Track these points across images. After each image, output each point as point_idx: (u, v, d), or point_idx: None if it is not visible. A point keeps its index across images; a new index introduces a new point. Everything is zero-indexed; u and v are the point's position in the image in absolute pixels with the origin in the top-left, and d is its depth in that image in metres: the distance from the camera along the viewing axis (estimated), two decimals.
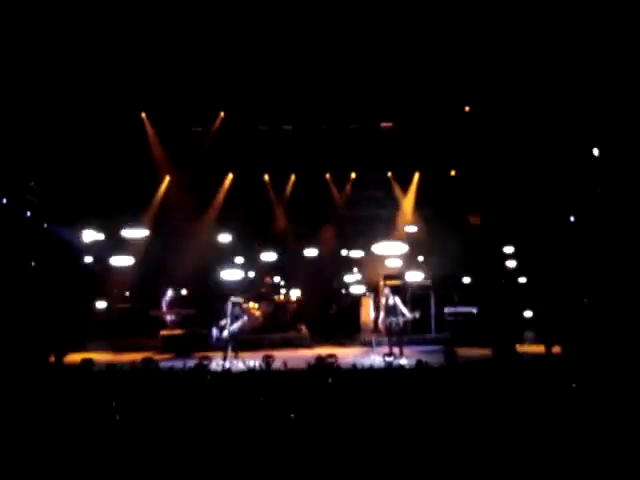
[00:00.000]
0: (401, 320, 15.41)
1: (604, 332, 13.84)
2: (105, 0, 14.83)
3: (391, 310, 15.49)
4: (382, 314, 15.70)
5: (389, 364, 13.40)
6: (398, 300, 15.65)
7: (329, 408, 8.28)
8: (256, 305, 19.30)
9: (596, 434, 7.25)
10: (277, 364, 12.16)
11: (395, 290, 16.20)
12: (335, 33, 16.04)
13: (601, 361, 11.42)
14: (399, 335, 15.52)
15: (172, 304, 18.61)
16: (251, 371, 12.08)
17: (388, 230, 20.61)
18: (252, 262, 21.09)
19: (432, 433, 7.45)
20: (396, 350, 15.05)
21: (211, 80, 17.44)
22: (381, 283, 18.58)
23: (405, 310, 15.55)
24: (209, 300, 18.74)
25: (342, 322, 19.70)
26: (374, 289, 19.27)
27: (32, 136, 17.11)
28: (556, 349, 14.01)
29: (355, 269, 20.91)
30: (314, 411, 8.21)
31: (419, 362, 11.65)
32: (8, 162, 17.15)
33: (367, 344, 17.12)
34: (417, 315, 15.85)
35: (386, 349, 15.08)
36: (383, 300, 15.84)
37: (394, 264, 18.83)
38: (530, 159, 17.67)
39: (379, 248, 18.19)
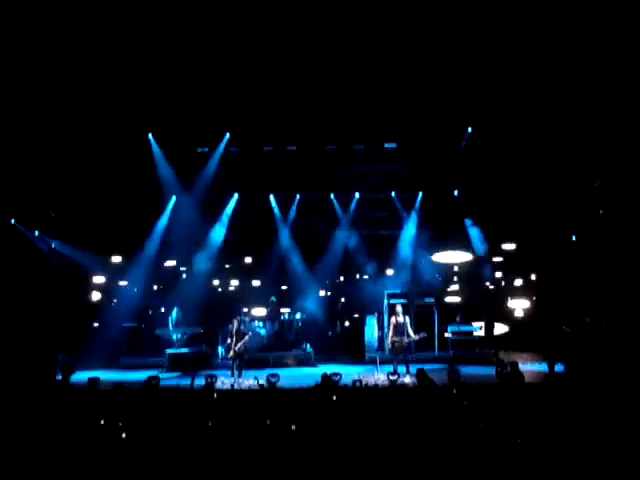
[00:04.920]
0: (405, 340, 15.47)
1: (607, 350, 13.89)
2: (113, 21, 15.03)
3: (399, 329, 15.56)
4: (391, 332, 15.76)
5: (393, 382, 13.47)
6: (408, 320, 15.74)
7: (334, 426, 8.35)
8: (261, 324, 19.39)
9: (599, 451, 7.31)
10: (282, 383, 12.24)
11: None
12: (339, 54, 16.23)
13: (604, 379, 11.48)
14: (404, 354, 15.58)
15: (178, 323, 18.74)
16: (256, 389, 12.15)
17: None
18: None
19: (435, 451, 7.51)
20: (402, 369, 15.13)
21: (217, 101, 17.63)
22: (385, 302, 18.68)
23: (411, 331, 15.62)
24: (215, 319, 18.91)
25: (347, 341, 19.77)
26: (378, 308, 19.33)
27: (37, 155, 17.33)
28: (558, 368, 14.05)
29: None
30: (319, 429, 8.28)
31: (420, 372, 11.60)
32: (15, 183, 17.37)
33: (372, 362, 17.16)
34: (423, 336, 15.91)
35: (390, 368, 15.13)
36: (393, 319, 15.88)
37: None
38: (533, 179, 17.78)
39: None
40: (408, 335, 15.52)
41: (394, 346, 15.57)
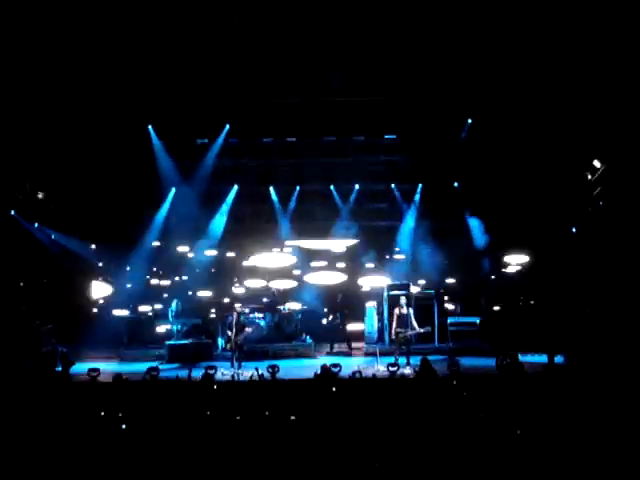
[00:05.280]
0: (409, 332, 15.48)
1: (607, 341, 13.91)
2: (113, 14, 15.01)
3: (403, 320, 15.58)
4: (394, 323, 15.77)
5: (393, 374, 13.52)
6: (412, 312, 15.75)
7: (333, 417, 8.37)
8: (261, 315, 19.39)
9: (598, 442, 7.32)
10: (282, 374, 12.28)
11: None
12: (339, 45, 16.22)
13: (604, 370, 11.50)
14: (407, 345, 15.60)
15: (178, 314, 18.76)
16: (256, 381, 12.18)
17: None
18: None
19: (434, 442, 7.53)
20: (403, 360, 15.16)
21: (216, 93, 17.62)
22: (385, 294, 18.67)
23: (415, 323, 15.63)
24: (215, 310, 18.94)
25: (346, 332, 19.76)
26: (378, 300, 19.33)
27: (38, 147, 17.31)
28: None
29: None
30: (319, 420, 8.30)
31: (425, 361, 11.61)
32: (17, 174, 17.37)
33: (371, 354, 17.19)
34: (428, 329, 15.96)
35: (390, 359, 15.14)
36: (397, 310, 15.89)
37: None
38: (533, 170, 17.77)
39: None
40: (412, 327, 15.54)
41: (397, 337, 15.60)
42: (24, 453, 7.44)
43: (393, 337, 16.01)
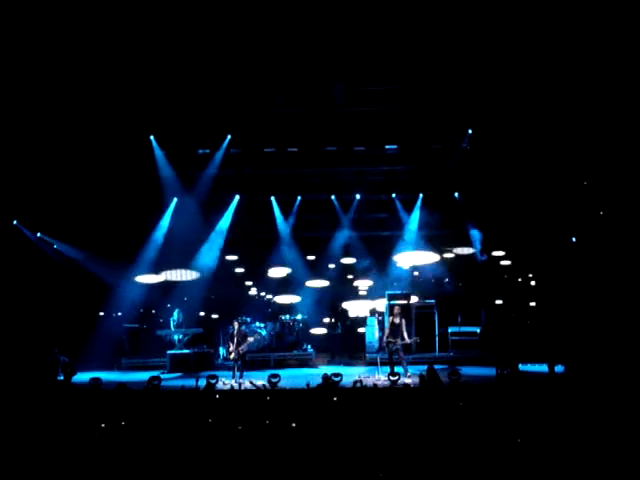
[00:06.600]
0: (399, 342, 15.46)
1: (607, 351, 13.94)
2: (115, 24, 15.10)
3: (395, 330, 15.58)
4: (387, 332, 15.79)
5: (394, 383, 13.54)
6: (404, 322, 15.76)
7: (335, 426, 8.39)
8: (262, 325, 19.43)
9: (599, 451, 7.35)
10: (283, 383, 12.30)
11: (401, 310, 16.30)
12: (341, 58, 16.32)
13: (604, 379, 11.53)
14: (398, 354, 15.58)
15: (180, 324, 18.79)
16: (257, 390, 12.20)
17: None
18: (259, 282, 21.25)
19: (437, 451, 7.55)
20: (400, 370, 15.16)
21: (218, 103, 17.69)
22: (386, 304, 18.70)
23: (405, 334, 15.62)
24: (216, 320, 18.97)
25: (348, 342, 19.81)
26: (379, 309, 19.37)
27: (40, 157, 17.40)
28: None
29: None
30: (320, 429, 8.32)
31: (431, 370, 11.64)
32: (18, 184, 17.45)
33: (372, 364, 17.21)
34: (415, 340, 16.00)
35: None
36: (390, 319, 15.91)
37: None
38: (533, 180, 17.83)
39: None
40: (402, 337, 15.51)
41: (388, 346, 15.59)
42: (26, 462, 7.46)
43: (384, 345, 16.04)
